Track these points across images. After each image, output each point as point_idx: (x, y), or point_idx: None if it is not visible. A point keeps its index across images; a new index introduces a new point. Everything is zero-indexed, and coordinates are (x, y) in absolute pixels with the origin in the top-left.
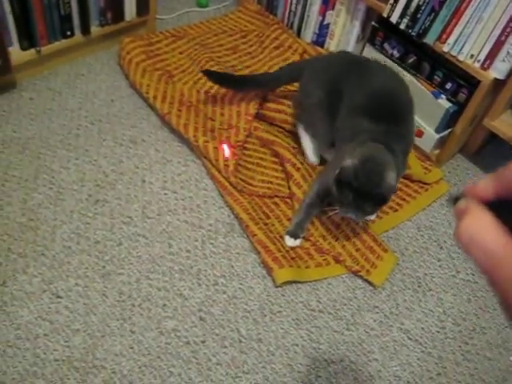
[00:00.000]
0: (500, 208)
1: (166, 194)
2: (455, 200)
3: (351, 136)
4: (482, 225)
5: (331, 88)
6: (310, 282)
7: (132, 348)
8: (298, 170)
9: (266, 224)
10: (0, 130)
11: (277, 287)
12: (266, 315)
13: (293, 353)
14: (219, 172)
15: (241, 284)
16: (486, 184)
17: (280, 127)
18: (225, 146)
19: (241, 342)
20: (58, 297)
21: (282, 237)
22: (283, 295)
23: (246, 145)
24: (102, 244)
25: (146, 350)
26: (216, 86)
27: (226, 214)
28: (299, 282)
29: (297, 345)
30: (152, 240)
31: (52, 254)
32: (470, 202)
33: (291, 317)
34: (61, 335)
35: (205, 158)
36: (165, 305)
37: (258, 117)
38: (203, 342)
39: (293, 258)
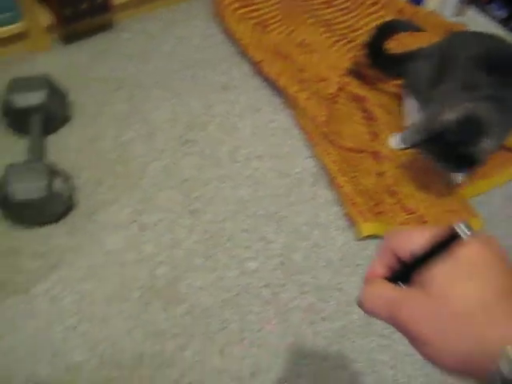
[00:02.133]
0: (397, 276)
1: (254, 140)
2: None
3: (458, 92)
4: (375, 286)
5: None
6: None
7: (213, 284)
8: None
9: (352, 177)
10: (98, 68)
11: (359, 240)
12: (346, 266)
13: None
14: (309, 122)
15: (323, 233)
16: (373, 266)
17: (373, 84)
18: None
19: (320, 289)
20: (146, 228)
21: (368, 190)
22: (364, 249)
23: (336, 98)
24: (189, 182)
25: (227, 287)
26: (309, 39)
27: (312, 165)
28: (381, 238)
29: None
30: (239, 183)
31: (142, 188)
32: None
33: None
34: (146, 265)
35: (295, 107)
36: (247, 246)
37: (351, 72)
38: (283, 285)
39: (377, 214)
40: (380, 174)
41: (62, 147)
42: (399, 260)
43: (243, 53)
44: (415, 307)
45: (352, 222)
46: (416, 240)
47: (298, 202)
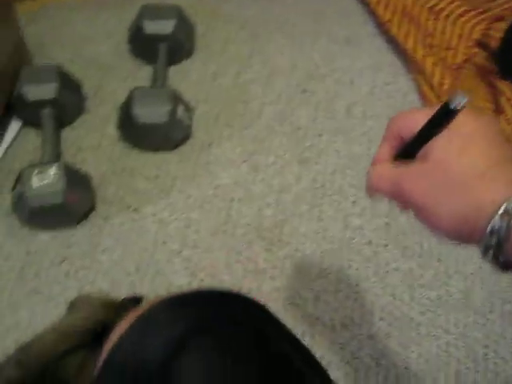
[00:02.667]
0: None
1: (372, 99)
2: None
3: None
4: (381, 166)
5: None
6: None
7: (318, 233)
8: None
9: None
10: (225, 5)
11: None
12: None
13: (470, 282)
14: (431, 89)
15: None
16: (380, 150)
17: None
18: None
19: (421, 256)
20: (256, 169)
21: None
22: None
23: (461, 70)
24: (303, 131)
25: (330, 238)
26: (440, 5)
27: None
28: None
29: (476, 275)
30: (352, 139)
31: (256, 129)
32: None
33: (474, 248)
34: (254, 204)
35: (418, 72)
36: (354, 202)
37: (480, 44)
38: (385, 245)
39: None
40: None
41: (184, 79)
42: (404, 142)
43: (370, 11)
44: (415, 178)
45: None
46: (420, 120)
47: None
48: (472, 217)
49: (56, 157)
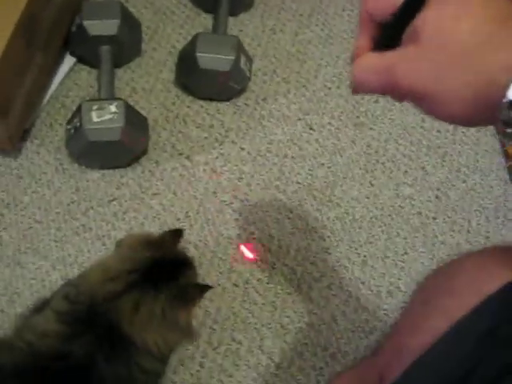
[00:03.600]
0: (378, 44)
1: None
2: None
3: None
4: (364, 58)
5: None
6: None
7: (368, 198)
8: None
9: None
10: None
11: None
12: (498, 217)
13: None
14: None
15: (482, 180)
16: (358, 42)
17: None
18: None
19: (469, 232)
20: (311, 129)
21: None
22: None
23: None
24: (360, 95)
25: (380, 204)
26: None
27: None
28: None
29: None
30: (407, 109)
31: (313, 88)
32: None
33: None
34: (306, 163)
35: None
36: (406, 172)
37: None
38: (434, 218)
39: None
40: None
41: (242, 32)
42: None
43: None
44: (410, 63)
45: None
46: None
47: (462, 142)
48: (483, 92)
49: (112, 95)
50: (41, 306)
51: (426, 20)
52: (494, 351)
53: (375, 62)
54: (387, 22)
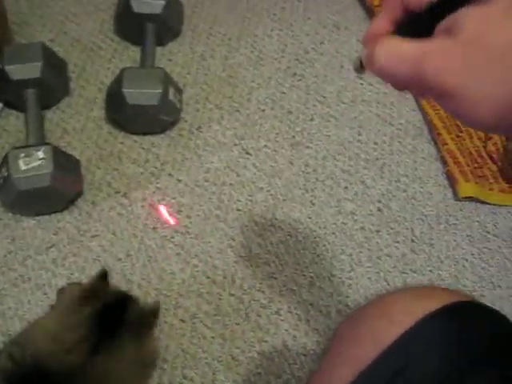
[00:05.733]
0: (403, 29)
1: (362, 84)
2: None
3: None
4: (392, 42)
5: None
6: (490, 204)
7: (310, 218)
8: None
9: (458, 136)
10: None
11: (456, 200)
12: (441, 223)
13: (461, 266)
14: None
15: (421, 188)
16: (378, 22)
17: None
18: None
19: (413, 241)
20: (248, 153)
21: (471, 152)
22: (461, 210)
23: None
24: (294, 115)
25: (322, 223)
26: None
27: (417, 118)
28: (479, 202)
29: (466, 260)
30: (343, 124)
31: (246, 112)
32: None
33: (465, 232)
34: (245, 189)
35: None
36: (346, 187)
37: None
38: (377, 231)
39: (479, 177)
40: (485, 140)
41: (170, 61)
42: (409, 12)
43: None
44: (444, 57)
45: (452, 181)
46: None
47: (400, 152)
48: None
49: (41, 139)
50: None
51: (472, 14)
52: None
53: (406, 48)
54: (424, 8)
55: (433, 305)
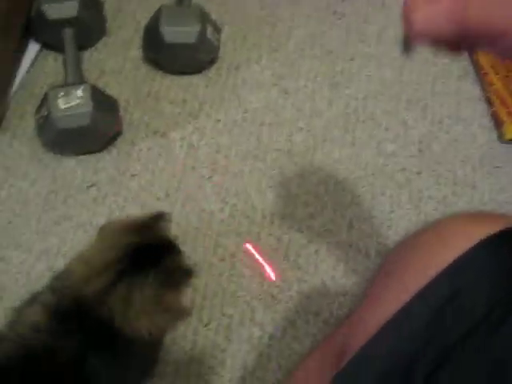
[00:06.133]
0: None
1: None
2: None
3: None
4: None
5: None
6: None
7: (350, 159)
8: None
9: (506, 76)
10: None
11: (501, 143)
12: (484, 166)
13: (505, 210)
14: None
15: (465, 129)
16: None
17: None
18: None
19: (455, 184)
20: (287, 93)
21: None
22: (506, 152)
23: None
24: (334, 55)
25: (363, 164)
26: None
27: (462, 57)
28: None
29: (510, 203)
30: (384, 64)
31: (285, 52)
32: None
33: (510, 176)
34: (284, 129)
35: None
36: (387, 128)
37: None
38: (419, 173)
39: None
40: None
41: (208, 0)
42: None
43: None
44: None
45: (497, 123)
46: None
47: (443, 93)
48: None
49: (79, 79)
50: (31, 300)
51: None
52: (445, 327)
53: (443, 6)
54: None
55: (489, 229)
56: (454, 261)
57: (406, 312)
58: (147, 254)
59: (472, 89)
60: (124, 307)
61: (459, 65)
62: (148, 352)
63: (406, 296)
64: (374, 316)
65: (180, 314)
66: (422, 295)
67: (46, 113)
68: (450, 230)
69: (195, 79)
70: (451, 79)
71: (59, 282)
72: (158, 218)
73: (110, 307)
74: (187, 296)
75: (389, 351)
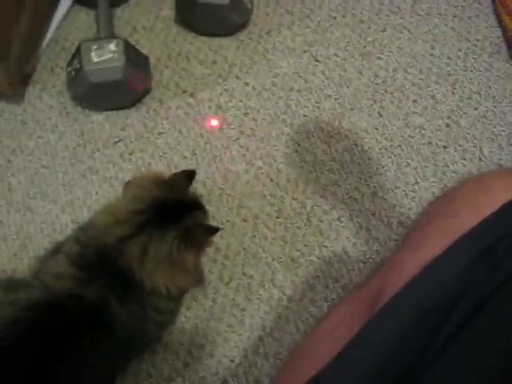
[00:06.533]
0: None
1: None
2: None
3: None
4: None
5: None
6: None
7: (377, 129)
8: None
9: None
10: None
11: None
12: (511, 145)
13: None
14: None
15: (494, 106)
16: None
17: None
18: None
19: (481, 160)
20: (317, 60)
21: None
22: None
23: None
24: (366, 24)
25: (389, 135)
26: None
27: (495, 35)
28: None
29: None
30: (416, 37)
31: (317, 19)
32: None
33: None
34: (313, 96)
35: None
36: (416, 101)
37: None
38: (445, 147)
39: None
40: None
41: None
42: None
43: None
44: None
45: None
46: None
47: (474, 69)
48: None
49: (112, 34)
50: (55, 250)
51: None
52: (491, 269)
53: None
54: None
55: None
56: (504, 205)
57: (445, 258)
58: (172, 209)
59: (503, 66)
60: (141, 257)
61: (492, 42)
62: (167, 306)
63: (447, 242)
64: (414, 262)
65: (196, 276)
66: (471, 235)
67: (78, 65)
68: (494, 182)
69: (226, 42)
70: (483, 56)
71: (83, 232)
72: (187, 176)
73: (129, 257)
74: (209, 254)
75: (427, 294)
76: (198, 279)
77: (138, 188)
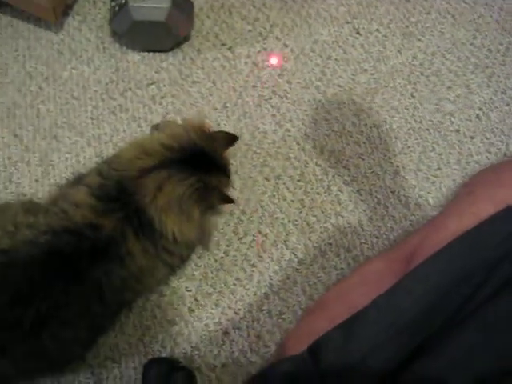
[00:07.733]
0: None
1: None
2: None
3: None
4: None
5: None
6: None
7: (407, 109)
8: None
9: None
10: None
11: None
12: None
13: None
14: None
15: None
16: None
17: None
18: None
19: (505, 155)
20: (358, 33)
21: None
22: None
23: None
24: (411, 4)
25: (419, 117)
26: None
27: None
28: None
29: None
30: (459, 23)
31: None
32: None
33: None
34: (350, 67)
35: None
36: (450, 87)
37: None
38: (472, 137)
39: None
40: None
41: None
42: None
43: None
44: None
45: None
46: None
47: None
48: None
49: None
50: (76, 180)
51: None
52: None
53: None
54: None
55: None
56: None
57: (491, 222)
58: (201, 161)
59: None
60: (155, 192)
61: None
62: (178, 251)
63: (493, 209)
64: (454, 226)
65: (202, 234)
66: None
67: (123, 1)
68: None
69: (270, 1)
70: None
71: (106, 165)
72: (229, 139)
73: (145, 188)
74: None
75: (472, 253)
76: (203, 239)
77: (180, 128)
